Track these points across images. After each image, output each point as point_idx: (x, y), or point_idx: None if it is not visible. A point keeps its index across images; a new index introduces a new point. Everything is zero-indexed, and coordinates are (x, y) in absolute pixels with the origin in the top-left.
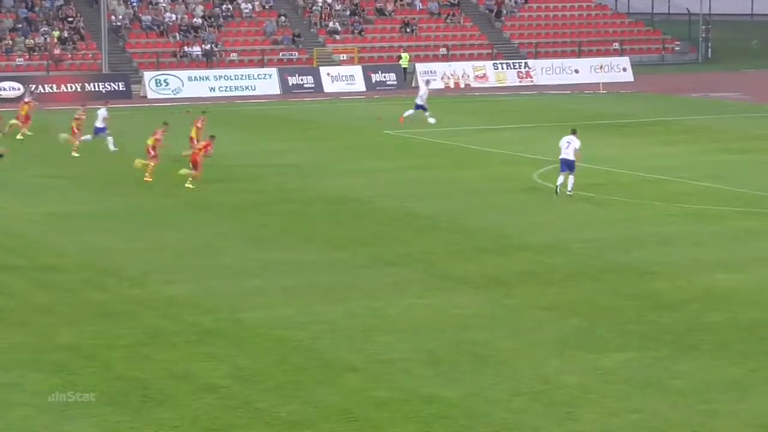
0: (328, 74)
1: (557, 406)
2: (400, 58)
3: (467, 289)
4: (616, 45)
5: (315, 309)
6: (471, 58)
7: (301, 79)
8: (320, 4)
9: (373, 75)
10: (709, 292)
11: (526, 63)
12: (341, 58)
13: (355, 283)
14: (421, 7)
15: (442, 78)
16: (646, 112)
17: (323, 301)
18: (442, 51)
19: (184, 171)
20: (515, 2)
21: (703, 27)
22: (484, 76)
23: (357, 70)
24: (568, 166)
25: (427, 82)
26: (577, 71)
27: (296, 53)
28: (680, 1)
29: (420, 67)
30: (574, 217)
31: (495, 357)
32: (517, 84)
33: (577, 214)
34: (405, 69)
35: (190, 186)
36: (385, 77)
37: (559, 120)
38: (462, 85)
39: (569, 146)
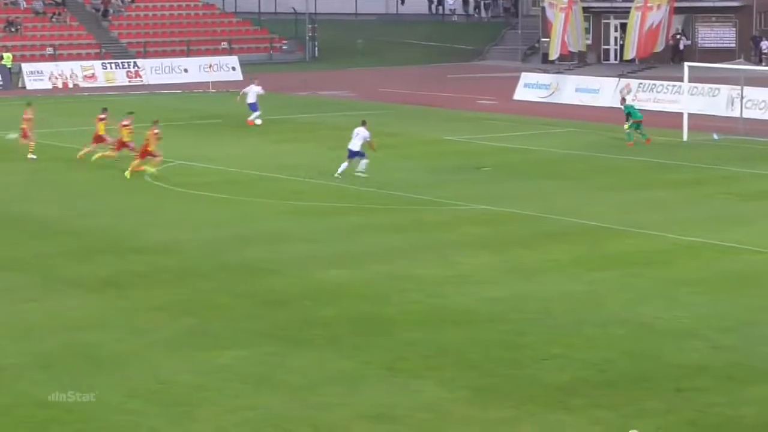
0: None
1: (173, 405)
2: (1, 58)
3: (80, 292)
4: (224, 44)
5: None
6: (79, 57)
7: None
8: None
9: None
10: (322, 287)
11: (135, 62)
12: None
13: None
14: (25, 6)
15: (50, 78)
16: None
17: None
18: (49, 51)
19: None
20: (122, 1)
21: (310, 26)
22: (93, 75)
23: None
24: (353, 155)
25: (253, 79)
26: (186, 70)
27: None
28: (287, 0)
29: (26, 67)
30: (187, 217)
31: (109, 359)
32: (127, 83)
33: (190, 213)
34: (9, 69)
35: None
36: None
37: (169, 120)
38: (70, 85)
39: (357, 136)
